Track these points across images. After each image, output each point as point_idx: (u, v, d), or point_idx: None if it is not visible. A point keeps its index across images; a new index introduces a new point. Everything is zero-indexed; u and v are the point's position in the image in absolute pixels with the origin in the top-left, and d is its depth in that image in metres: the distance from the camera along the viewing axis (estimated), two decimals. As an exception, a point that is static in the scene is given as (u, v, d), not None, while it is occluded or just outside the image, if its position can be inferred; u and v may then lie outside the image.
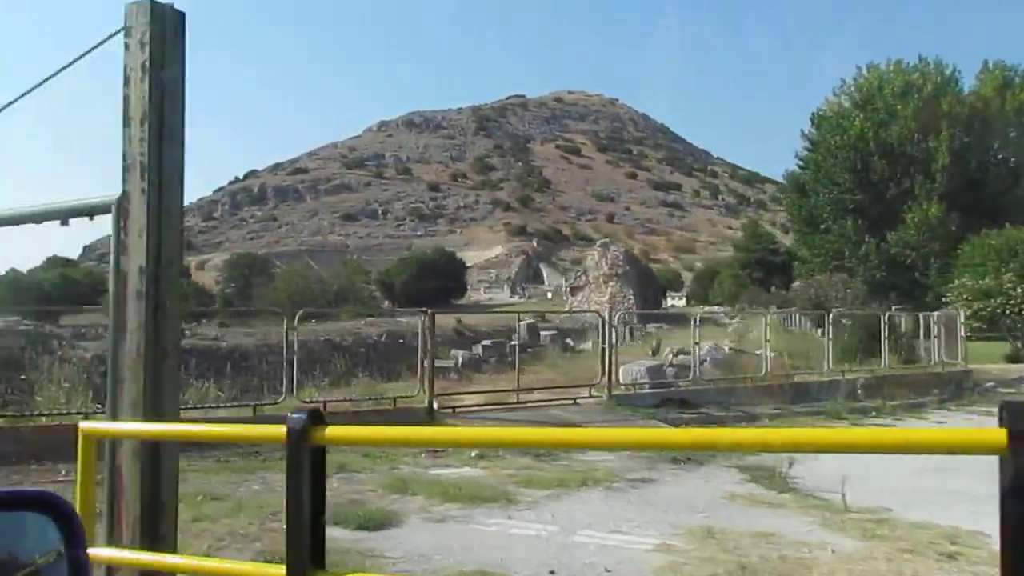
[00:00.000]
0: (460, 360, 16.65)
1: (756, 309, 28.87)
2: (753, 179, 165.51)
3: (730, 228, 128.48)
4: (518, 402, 12.15)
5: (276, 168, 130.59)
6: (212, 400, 10.70)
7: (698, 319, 16.02)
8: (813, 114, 40.86)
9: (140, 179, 2.23)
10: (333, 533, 6.29)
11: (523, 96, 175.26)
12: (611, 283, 26.83)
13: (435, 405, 11.12)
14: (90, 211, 2.43)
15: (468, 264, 78.89)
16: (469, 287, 75.44)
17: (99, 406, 9.16)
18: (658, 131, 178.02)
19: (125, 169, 2.27)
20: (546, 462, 9.29)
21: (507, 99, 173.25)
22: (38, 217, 2.53)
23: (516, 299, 77.61)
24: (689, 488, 8.38)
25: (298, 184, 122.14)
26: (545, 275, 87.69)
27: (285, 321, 11.13)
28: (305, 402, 9.88)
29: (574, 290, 26.63)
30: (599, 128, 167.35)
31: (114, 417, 2.15)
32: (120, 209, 2.30)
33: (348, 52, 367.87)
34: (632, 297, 25.50)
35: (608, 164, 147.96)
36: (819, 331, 20.43)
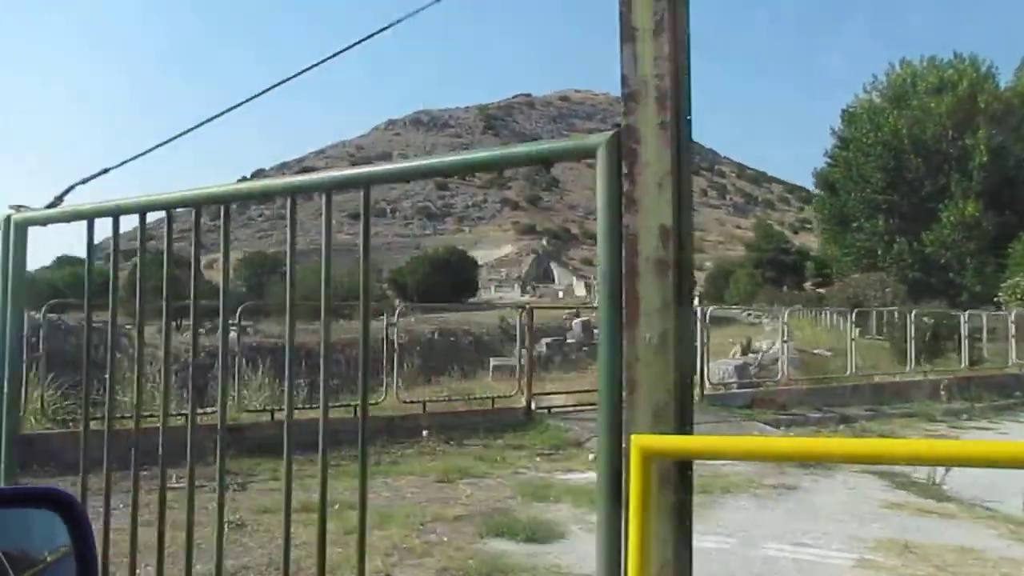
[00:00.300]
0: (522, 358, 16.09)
1: (774, 307, 28.33)
2: (760, 178, 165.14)
3: (739, 228, 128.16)
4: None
5: (283, 167, 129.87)
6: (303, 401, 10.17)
7: (763, 318, 15.54)
8: (843, 111, 40.32)
9: (657, 110, 1.67)
10: (503, 546, 5.76)
11: (529, 95, 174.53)
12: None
13: (532, 405, 10.61)
14: (572, 154, 1.90)
15: (479, 263, 78.53)
16: (480, 286, 75.14)
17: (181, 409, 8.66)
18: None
19: (629, 97, 1.71)
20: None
21: (513, 98, 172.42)
22: (518, 160, 1.99)
23: (527, 298, 77.16)
24: (839, 495, 7.86)
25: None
26: (556, 274, 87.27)
27: (385, 316, 10.62)
28: (406, 402, 9.40)
29: (589, 289, 26.10)
30: (606, 127, 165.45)
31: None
32: (622, 150, 1.77)
33: (355, 50, 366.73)
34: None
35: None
36: (857, 330, 19.84)
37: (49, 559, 1.45)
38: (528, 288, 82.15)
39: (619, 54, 1.76)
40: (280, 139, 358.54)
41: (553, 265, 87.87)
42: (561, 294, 79.08)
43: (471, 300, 68.89)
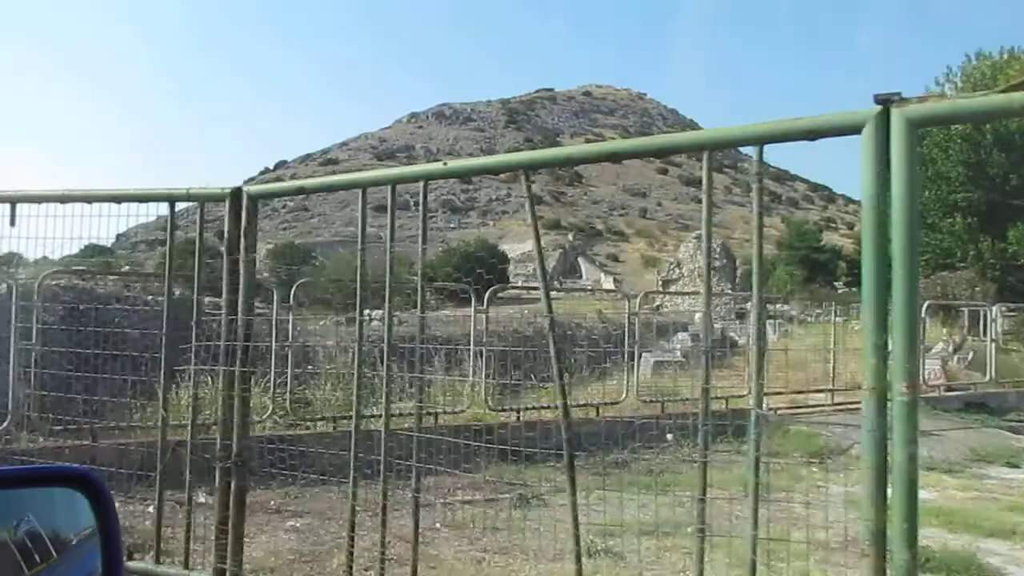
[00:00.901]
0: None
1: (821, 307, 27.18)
2: (783, 176, 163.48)
3: (764, 226, 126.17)
4: (834, 404, 10.56)
5: (306, 159, 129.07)
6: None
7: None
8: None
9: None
10: None
11: (551, 90, 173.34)
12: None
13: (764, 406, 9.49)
14: (836, 129, 2.11)
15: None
16: (511, 280, 74.06)
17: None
18: (687, 126, 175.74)
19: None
20: (960, 478, 7.62)
21: (536, 92, 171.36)
22: (775, 136, 2.40)
23: (554, 294, 75.98)
24: None
25: (329, 175, 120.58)
26: (583, 269, 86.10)
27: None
28: (647, 401, 8.32)
29: (667, 283, 24.96)
30: (628, 123, 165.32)
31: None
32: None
33: (378, 42, 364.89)
34: (730, 291, 23.93)
35: (638, 159, 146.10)
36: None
37: (74, 537, 1.47)
38: (555, 283, 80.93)
39: None
40: (304, 130, 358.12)
41: (581, 260, 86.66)
42: (591, 289, 78.04)
43: (501, 296, 67.80)
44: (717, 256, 24.59)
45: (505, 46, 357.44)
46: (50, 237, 4.91)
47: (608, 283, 76.92)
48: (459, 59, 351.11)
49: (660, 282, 27.28)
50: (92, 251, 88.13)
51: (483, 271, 67.98)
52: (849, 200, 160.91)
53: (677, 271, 26.31)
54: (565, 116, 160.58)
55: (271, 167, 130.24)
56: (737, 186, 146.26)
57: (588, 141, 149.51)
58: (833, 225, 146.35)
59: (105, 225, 4.91)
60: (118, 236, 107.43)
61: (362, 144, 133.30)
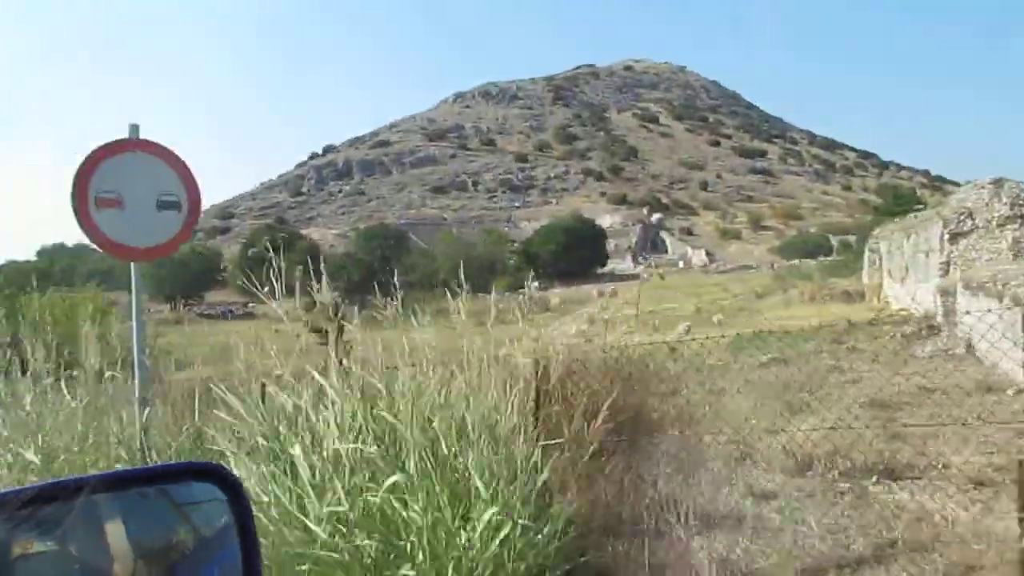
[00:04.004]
0: None
1: None
2: (832, 145, 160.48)
3: (825, 194, 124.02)
4: None
5: (356, 142, 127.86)
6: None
7: None
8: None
9: None
10: None
11: (593, 66, 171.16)
12: (1011, 227, 22.86)
13: None
14: None
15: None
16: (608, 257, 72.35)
17: None
18: (730, 98, 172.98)
19: None
20: None
21: (577, 69, 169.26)
22: None
23: (640, 269, 74.52)
24: None
25: (382, 157, 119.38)
26: (668, 244, 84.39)
27: None
28: None
29: (954, 237, 22.62)
30: (672, 96, 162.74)
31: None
32: None
33: (421, 22, 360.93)
34: None
35: (688, 132, 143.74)
36: None
37: (211, 531, 1.51)
38: (639, 259, 79.44)
39: None
40: (351, 114, 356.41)
41: (664, 235, 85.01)
42: (681, 263, 76.23)
43: (602, 271, 66.35)
44: (1021, 202, 22.45)
45: (543, 22, 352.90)
46: None
47: (698, 257, 75.12)
48: (500, 37, 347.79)
49: (948, 236, 24.67)
50: (48, 254, 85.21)
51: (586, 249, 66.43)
52: (899, 166, 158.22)
53: (969, 222, 23.80)
54: (609, 92, 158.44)
55: (320, 151, 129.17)
56: (790, 155, 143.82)
57: (635, 116, 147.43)
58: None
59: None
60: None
61: (411, 125, 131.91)
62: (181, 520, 1.53)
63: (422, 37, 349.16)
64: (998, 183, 24.59)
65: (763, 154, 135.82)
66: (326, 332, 5.20)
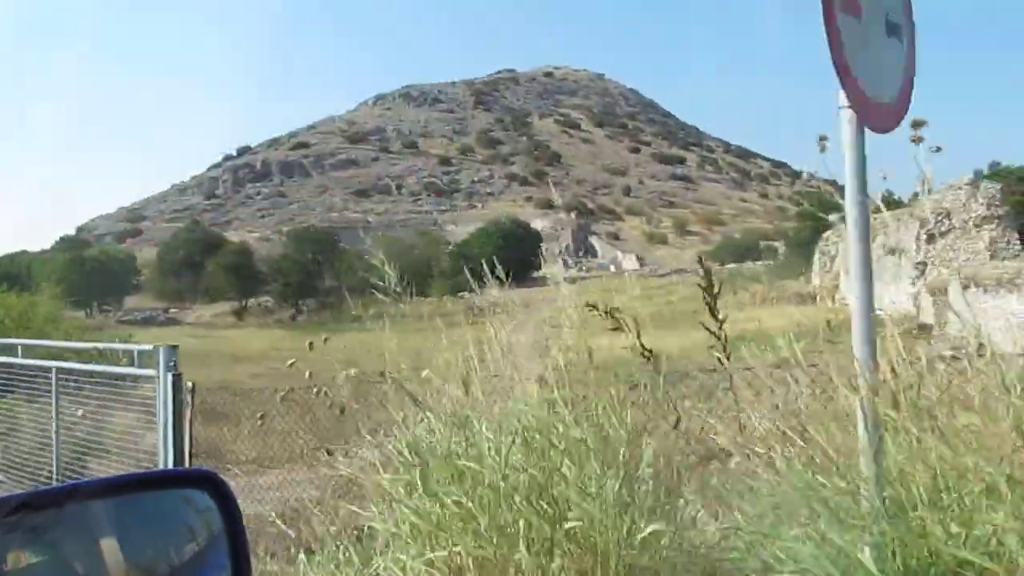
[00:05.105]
0: None
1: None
2: (746, 154, 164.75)
3: (743, 200, 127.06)
4: None
5: (274, 143, 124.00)
6: None
7: None
8: None
9: None
10: None
11: (513, 71, 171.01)
12: (988, 227, 23.07)
13: None
14: None
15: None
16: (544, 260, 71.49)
17: None
18: (648, 106, 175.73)
19: None
20: None
21: (498, 73, 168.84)
22: None
23: (575, 272, 74.26)
24: None
25: (302, 159, 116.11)
26: (598, 248, 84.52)
27: None
28: None
29: (931, 238, 22.71)
30: (591, 103, 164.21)
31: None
32: None
33: (339, 23, 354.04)
34: (1018, 244, 22.02)
35: (608, 139, 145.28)
36: None
37: (203, 537, 1.50)
38: (570, 263, 79.22)
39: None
40: (268, 114, 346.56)
41: (594, 239, 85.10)
42: (613, 268, 76.35)
43: (537, 275, 65.59)
44: (998, 202, 22.45)
45: (464, 25, 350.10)
46: None
47: (629, 261, 75.23)
48: (420, 39, 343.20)
49: (924, 236, 24.60)
50: (67, 244, 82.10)
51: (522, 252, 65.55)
52: (812, 175, 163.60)
53: (947, 223, 23.71)
54: (530, 97, 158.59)
55: (234, 153, 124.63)
56: (708, 163, 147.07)
57: (557, 122, 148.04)
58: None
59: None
60: (77, 228, 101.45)
61: (331, 127, 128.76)
62: (173, 528, 1.51)
63: (332, 37, 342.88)
64: (974, 184, 24.76)
65: (682, 161, 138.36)
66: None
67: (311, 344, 4.55)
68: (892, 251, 25.55)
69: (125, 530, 1.42)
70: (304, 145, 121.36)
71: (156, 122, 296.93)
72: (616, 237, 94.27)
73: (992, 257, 22.33)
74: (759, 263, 61.09)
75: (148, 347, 4.58)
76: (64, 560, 1.38)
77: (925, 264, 23.48)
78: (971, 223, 22.89)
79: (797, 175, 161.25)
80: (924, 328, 19.77)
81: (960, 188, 23.82)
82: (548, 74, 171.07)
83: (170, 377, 4.10)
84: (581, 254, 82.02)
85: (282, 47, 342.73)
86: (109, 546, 1.39)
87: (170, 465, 4.08)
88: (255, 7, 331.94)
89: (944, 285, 20.40)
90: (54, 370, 6.30)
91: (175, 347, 4.33)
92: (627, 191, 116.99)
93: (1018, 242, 22.19)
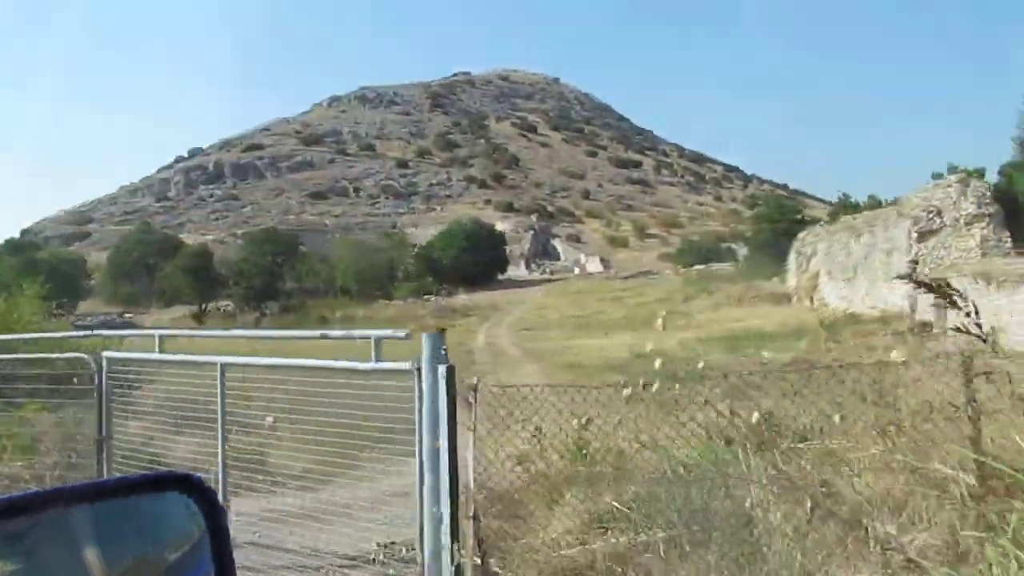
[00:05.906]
0: None
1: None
2: (700, 159, 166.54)
3: (699, 204, 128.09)
4: None
5: (227, 145, 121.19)
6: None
7: None
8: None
9: None
10: None
11: (468, 73, 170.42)
12: (979, 225, 23.11)
13: None
14: None
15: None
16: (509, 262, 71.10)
17: None
18: (603, 110, 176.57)
19: None
20: None
21: (454, 76, 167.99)
22: None
23: (536, 275, 74.25)
24: None
25: (255, 161, 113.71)
26: (560, 250, 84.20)
27: None
28: None
29: (923, 236, 22.71)
30: (547, 107, 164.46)
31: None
32: None
33: (292, 23, 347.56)
34: (1009, 242, 22.07)
35: (565, 142, 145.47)
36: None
37: (186, 540, 1.47)
38: (532, 265, 78.85)
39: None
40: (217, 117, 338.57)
41: (556, 242, 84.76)
42: (577, 270, 76.19)
43: (502, 277, 65.07)
44: (989, 200, 22.36)
45: (417, 27, 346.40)
46: None
47: (592, 264, 74.99)
48: (374, 41, 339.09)
49: (915, 234, 24.40)
50: (12, 246, 78.93)
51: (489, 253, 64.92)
52: (761, 180, 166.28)
53: (937, 220, 23.55)
54: (487, 100, 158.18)
55: (185, 155, 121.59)
56: (663, 167, 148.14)
57: (514, 125, 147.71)
58: (761, 203, 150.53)
59: None
60: (22, 231, 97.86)
61: (284, 129, 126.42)
62: (155, 531, 1.49)
63: (283, 38, 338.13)
64: (964, 181, 24.75)
65: (638, 165, 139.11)
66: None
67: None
68: (885, 250, 25.49)
69: (105, 535, 1.39)
70: (258, 147, 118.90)
71: (105, 123, 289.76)
72: (577, 240, 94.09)
73: (984, 255, 22.34)
74: (724, 264, 61.21)
75: (397, 333, 3.70)
76: (41, 567, 1.35)
77: (916, 262, 23.39)
78: (962, 221, 22.84)
79: (749, 179, 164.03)
80: (924, 326, 19.65)
81: (950, 186, 23.79)
82: (504, 77, 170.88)
83: (442, 370, 3.31)
84: (543, 256, 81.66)
85: (235, 48, 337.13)
86: (90, 553, 1.36)
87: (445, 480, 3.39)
88: (205, 5, 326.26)
89: (945, 283, 20.22)
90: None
91: (443, 331, 3.53)
92: (586, 194, 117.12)
93: (1010, 240, 22.24)
